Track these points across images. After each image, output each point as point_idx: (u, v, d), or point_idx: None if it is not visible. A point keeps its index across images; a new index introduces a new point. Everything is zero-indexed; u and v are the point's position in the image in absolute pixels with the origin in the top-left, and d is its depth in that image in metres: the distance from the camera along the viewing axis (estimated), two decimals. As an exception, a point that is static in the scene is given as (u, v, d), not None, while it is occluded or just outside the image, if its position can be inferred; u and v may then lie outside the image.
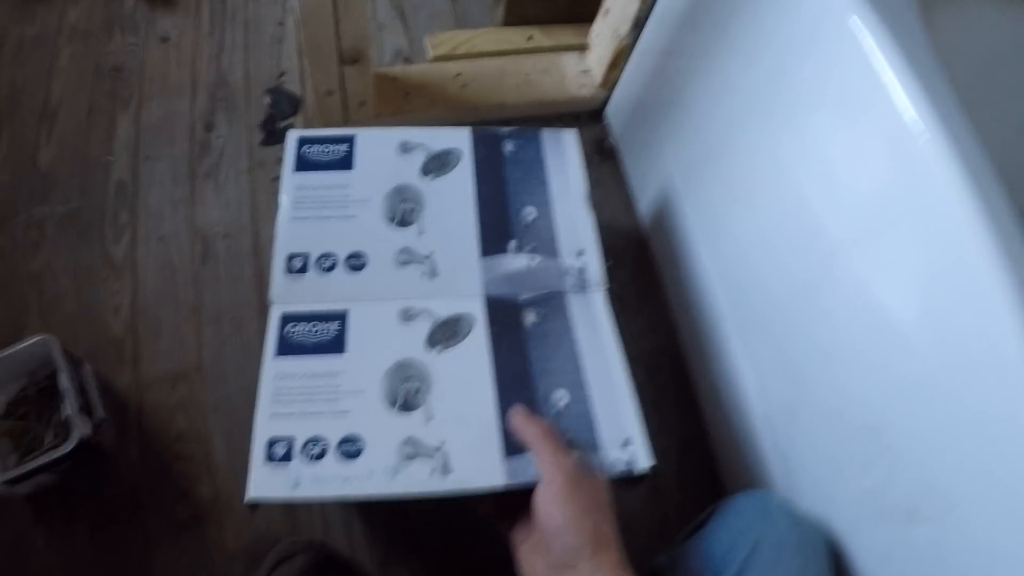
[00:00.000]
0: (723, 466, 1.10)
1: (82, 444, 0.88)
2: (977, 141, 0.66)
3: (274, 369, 0.78)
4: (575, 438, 0.75)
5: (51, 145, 1.23)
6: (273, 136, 1.28)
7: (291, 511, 0.98)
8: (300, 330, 0.80)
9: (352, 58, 1.10)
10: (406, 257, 0.86)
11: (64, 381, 0.91)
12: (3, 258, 1.12)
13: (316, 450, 0.72)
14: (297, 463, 0.71)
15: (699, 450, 1.12)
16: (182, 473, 0.98)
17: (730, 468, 1.08)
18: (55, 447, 0.90)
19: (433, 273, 0.86)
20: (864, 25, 0.71)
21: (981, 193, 0.62)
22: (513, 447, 0.73)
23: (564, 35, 1.46)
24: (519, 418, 0.73)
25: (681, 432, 1.10)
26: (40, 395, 0.97)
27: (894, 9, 0.73)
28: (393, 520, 1.01)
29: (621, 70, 1.31)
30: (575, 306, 0.87)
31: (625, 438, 0.77)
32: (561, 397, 0.78)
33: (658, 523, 1.06)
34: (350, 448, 0.72)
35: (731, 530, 0.77)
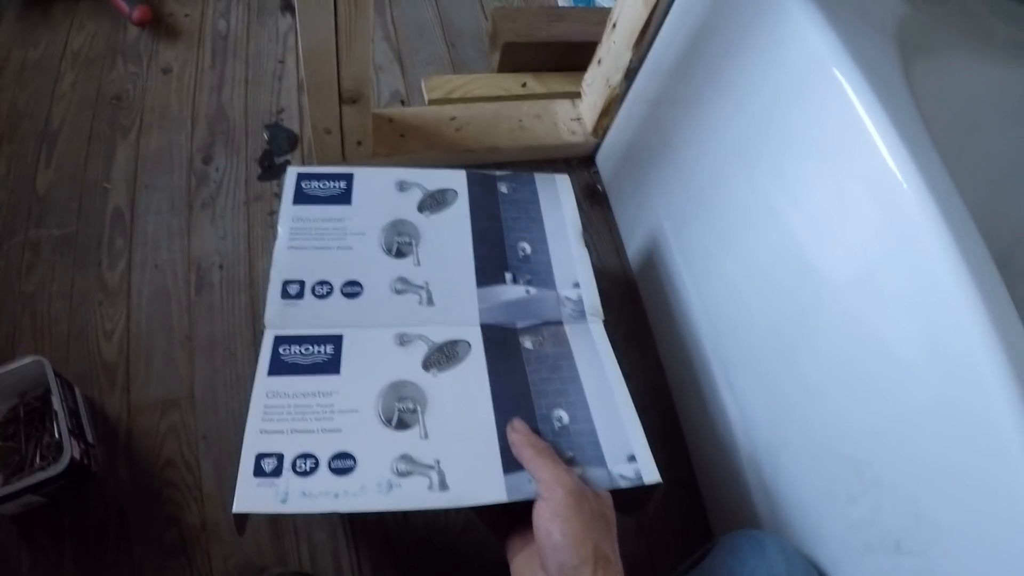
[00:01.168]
0: (709, 503, 1.11)
1: (71, 466, 0.88)
2: (955, 189, 0.69)
3: (266, 387, 0.77)
4: (576, 457, 0.75)
5: (50, 169, 1.24)
6: (270, 171, 1.30)
7: (278, 539, 0.98)
8: (294, 351, 0.80)
9: (351, 98, 1.12)
10: (402, 286, 0.87)
11: (56, 403, 0.91)
12: (-3, 278, 1.12)
13: (306, 466, 0.71)
14: (286, 478, 0.70)
15: (687, 488, 1.13)
16: (170, 499, 0.98)
17: (716, 505, 1.09)
18: (44, 468, 0.90)
19: (429, 301, 0.87)
20: (846, 77, 0.75)
21: (960, 239, 0.65)
22: (512, 463, 0.73)
23: (557, 82, 1.51)
24: (516, 435, 0.73)
25: (668, 470, 1.08)
26: (30, 416, 0.97)
27: (876, 62, 0.77)
28: (380, 549, 1.01)
29: (612, 118, 1.34)
30: (573, 334, 0.88)
31: (630, 453, 0.77)
32: (561, 416, 0.79)
33: (645, 560, 1.07)
34: (342, 464, 0.71)
35: (727, 567, 0.78)
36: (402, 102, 1.46)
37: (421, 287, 0.88)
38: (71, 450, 0.88)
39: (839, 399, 0.80)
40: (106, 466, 0.99)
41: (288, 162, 1.32)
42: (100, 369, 1.07)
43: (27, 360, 0.94)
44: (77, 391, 1.00)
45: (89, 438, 0.97)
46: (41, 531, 0.94)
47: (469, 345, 0.84)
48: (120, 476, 0.99)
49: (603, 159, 1.43)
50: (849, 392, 0.79)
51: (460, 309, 0.87)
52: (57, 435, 0.91)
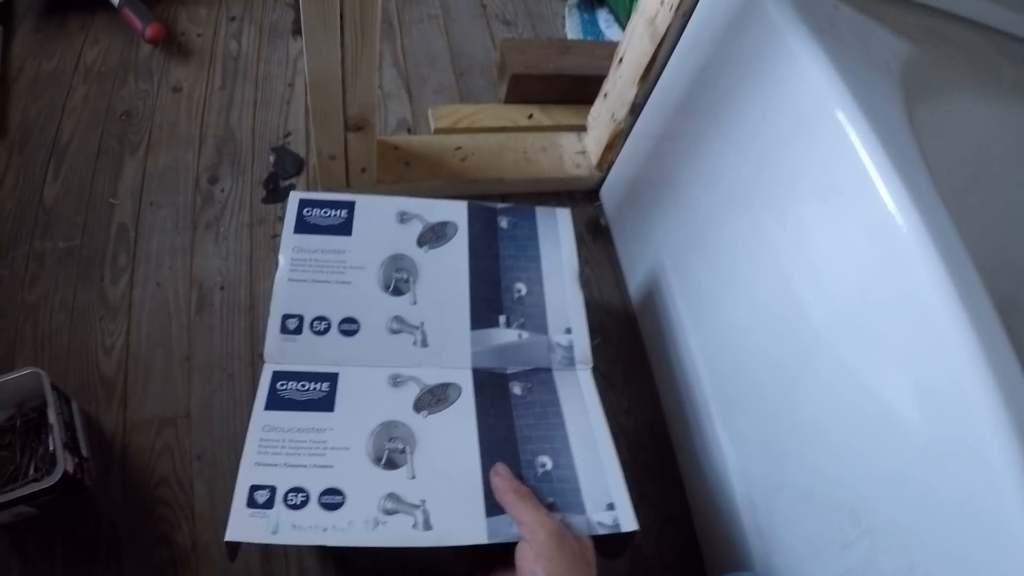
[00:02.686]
0: (704, 544, 1.11)
1: (65, 479, 0.88)
2: (956, 233, 0.69)
3: (262, 420, 0.80)
4: (557, 502, 0.77)
5: (58, 181, 1.25)
6: (275, 194, 1.31)
7: (268, 563, 0.98)
8: (291, 387, 0.83)
9: (357, 125, 1.13)
10: (398, 326, 0.89)
11: (52, 415, 0.92)
12: (1, 287, 1.13)
13: (298, 499, 0.73)
14: (278, 510, 0.73)
15: (681, 527, 1.13)
16: (162, 517, 0.98)
17: (711, 546, 1.09)
18: (37, 480, 0.91)
19: (424, 342, 0.89)
20: (848, 119, 0.75)
21: (960, 285, 0.65)
22: (495, 506, 0.75)
23: (563, 115, 1.51)
24: (499, 480, 0.75)
25: (663, 509, 1.11)
26: (26, 427, 0.98)
27: (878, 104, 0.77)
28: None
29: (617, 153, 1.35)
30: (561, 381, 0.89)
31: (609, 502, 0.78)
32: (545, 463, 0.80)
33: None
34: (331, 500, 0.74)
35: None
36: (409, 130, 1.47)
37: (416, 327, 0.90)
38: (64, 463, 0.89)
39: (835, 444, 0.80)
40: (100, 481, 1.00)
41: (293, 186, 1.33)
42: (98, 383, 1.07)
43: (25, 371, 0.94)
44: (74, 404, 1.01)
45: (83, 452, 0.98)
46: (32, 542, 0.95)
47: (460, 389, 0.86)
48: (113, 492, 0.99)
49: (607, 193, 1.43)
50: (845, 438, 0.79)
51: (453, 352, 0.89)
52: (52, 447, 0.91)
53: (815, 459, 0.84)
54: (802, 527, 0.87)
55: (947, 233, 0.68)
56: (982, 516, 0.62)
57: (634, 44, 1.18)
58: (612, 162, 1.38)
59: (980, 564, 0.63)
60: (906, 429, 0.69)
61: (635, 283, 1.32)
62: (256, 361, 1.12)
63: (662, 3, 1.06)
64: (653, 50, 1.12)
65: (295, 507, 0.73)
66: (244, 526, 0.72)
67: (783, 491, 0.90)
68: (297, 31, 1.56)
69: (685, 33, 1.07)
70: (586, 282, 0.94)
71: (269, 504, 0.73)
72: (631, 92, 1.22)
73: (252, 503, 0.73)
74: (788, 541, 0.90)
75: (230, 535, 0.71)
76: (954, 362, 0.64)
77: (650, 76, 1.17)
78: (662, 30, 1.08)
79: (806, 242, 0.84)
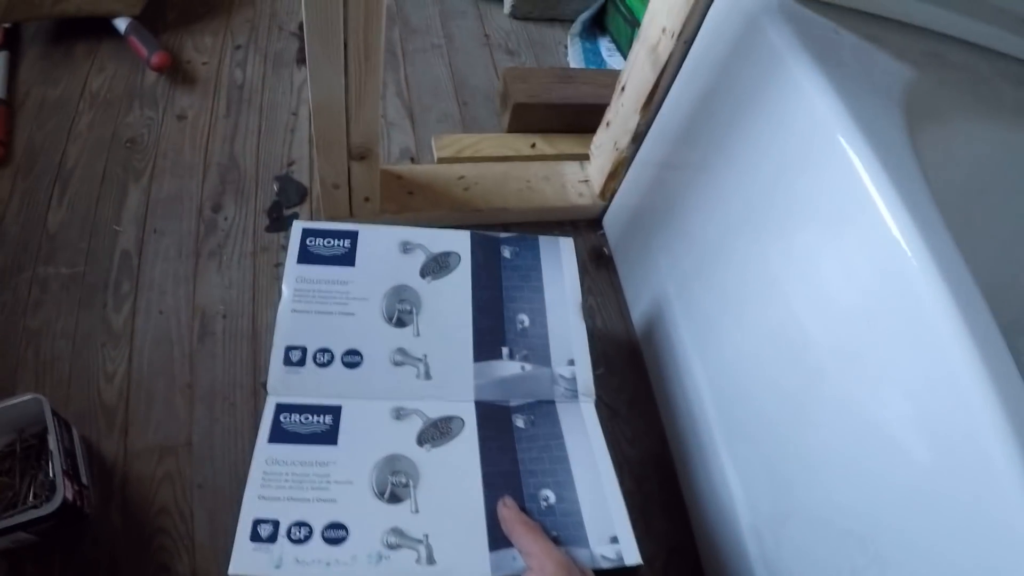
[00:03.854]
0: (709, 574, 1.10)
1: (65, 507, 0.88)
2: (961, 257, 0.69)
3: (266, 453, 0.80)
4: (561, 536, 0.77)
5: (62, 207, 1.26)
6: (278, 223, 1.31)
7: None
8: (294, 420, 0.83)
9: (360, 155, 1.13)
10: (401, 358, 0.89)
11: (52, 442, 0.92)
12: (3, 311, 1.14)
13: (301, 534, 0.73)
14: (281, 544, 0.72)
15: (686, 557, 1.12)
16: (162, 547, 0.98)
17: None
18: (36, 507, 0.90)
19: (427, 375, 0.89)
20: (851, 145, 0.75)
21: (965, 309, 0.64)
22: (498, 540, 0.75)
23: (566, 144, 1.52)
24: (507, 511, 0.75)
25: (668, 539, 1.11)
26: (26, 453, 0.97)
27: (881, 129, 0.77)
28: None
29: (620, 181, 1.36)
30: (564, 414, 0.89)
31: (612, 535, 0.78)
32: (548, 496, 0.80)
33: (641, 630, 1.07)
34: (334, 534, 0.73)
35: None
36: (412, 159, 1.48)
37: (419, 360, 0.90)
38: (64, 490, 0.88)
39: (842, 472, 0.80)
40: (99, 509, 0.99)
41: (296, 215, 1.34)
42: (99, 411, 1.07)
43: (26, 397, 0.94)
44: (75, 431, 1.00)
45: (83, 479, 0.97)
46: (30, 570, 0.94)
47: (463, 422, 0.86)
48: (113, 520, 0.99)
49: (610, 222, 1.44)
50: (852, 465, 0.78)
51: (456, 384, 0.89)
52: (52, 474, 0.91)
53: (822, 487, 0.84)
54: (810, 555, 0.86)
55: (952, 258, 0.68)
56: (990, 542, 0.62)
57: (636, 72, 1.19)
58: (615, 191, 1.39)
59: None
60: (914, 456, 0.69)
61: (639, 311, 1.32)
62: (258, 390, 1.11)
63: (664, 31, 1.07)
64: (655, 78, 1.12)
65: (298, 542, 0.73)
66: (247, 560, 0.71)
67: (790, 519, 0.90)
68: (301, 60, 1.57)
69: (687, 61, 1.08)
70: (589, 311, 0.94)
71: (272, 538, 0.73)
72: (634, 120, 1.22)
73: (256, 536, 0.73)
74: (795, 570, 0.89)
75: (233, 569, 0.71)
76: (961, 388, 0.64)
77: (652, 104, 1.18)
78: (664, 58, 1.09)
79: (812, 269, 0.84)
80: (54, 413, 0.95)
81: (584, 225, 1.47)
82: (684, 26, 1.02)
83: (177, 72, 1.50)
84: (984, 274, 0.69)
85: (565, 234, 1.05)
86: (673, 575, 1.11)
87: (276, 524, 0.74)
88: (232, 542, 0.72)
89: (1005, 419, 0.60)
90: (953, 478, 0.65)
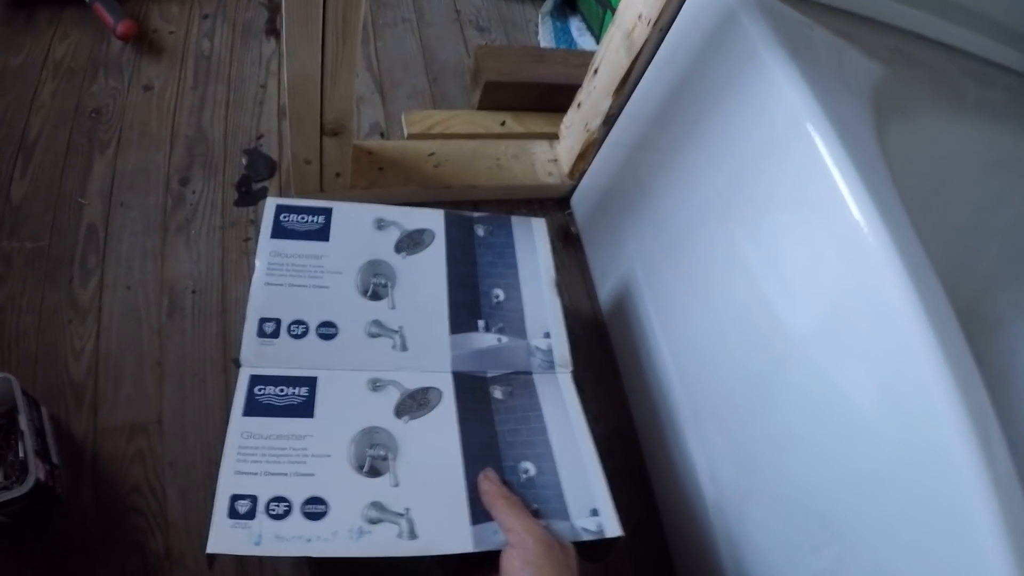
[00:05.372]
0: (674, 548, 1.13)
1: (37, 487, 0.87)
2: (920, 245, 0.71)
3: (241, 427, 0.78)
4: (541, 509, 0.77)
5: (25, 179, 1.23)
6: (247, 197, 1.30)
7: (243, 570, 0.97)
8: (269, 392, 0.81)
9: (334, 131, 1.13)
10: (377, 330, 0.89)
11: (22, 422, 0.90)
12: (-33, 289, 1.11)
13: (280, 509, 0.72)
14: (260, 521, 0.71)
15: (652, 532, 1.14)
16: (135, 525, 0.97)
17: (681, 551, 1.11)
18: (8, 488, 0.89)
19: (403, 347, 0.88)
20: (819, 135, 0.77)
21: (924, 295, 0.67)
22: (480, 514, 0.74)
23: (536, 123, 1.53)
24: (488, 485, 0.75)
25: (633, 515, 1.12)
26: (-6, 432, 0.96)
27: (849, 121, 0.80)
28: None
29: (589, 162, 1.36)
30: (542, 385, 0.90)
31: (593, 507, 0.78)
32: (528, 468, 0.80)
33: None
34: (314, 509, 0.72)
35: None
36: (382, 134, 1.47)
37: (395, 331, 0.89)
38: (36, 471, 0.87)
39: (805, 451, 0.82)
40: (70, 488, 0.98)
41: (266, 189, 1.33)
42: (67, 388, 1.06)
43: (-5, 377, 0.92)
44: (43, 410, 0.99)
45: (54, 459, 0.96)
46: (1, 551, 0.93)
47: (440, 393, 0.85)
48: (84, 500, 0.98)
49: (578, 202, 1.45)
50: (815, 445, 0.80)
51: (433, 356, 0.89)
52: (22, 455, 0.90)
53: (785, 465, 0.86)
54: (772, 532, 0.89)
55: (912, 245, 0.71)
56: (946, 520, 0.64)
57: (610, 56, 1.20)
58: (584, 171, 1.39)
59: (944, 567, 0.65)
60: (874, 436, 0.72)
61: (605, 291, 1.34)
62: (229, 366, 1.11)
63: (640, 17, 1.07)
64: (629, 63, 1.13)
65: (278, 517, 0.71)
66: (226, 537, 0.70)
67: (753, 497, 0.92)
68: (270, 31, 1.55)
69: (662, 47, 1.09)
70: (557, 289, 0.95)
71: (251, 514, 0.71)
72: (606, 103, 1.23)
73: (233, 513, 0.71)
74: (758, 546, 0.92)
75: (212, 547, 0.69)
76: (919, 370, 0.66)
77: (625, 88, 1.18)
78: (639, 44, 1.09)
79: (778, 253, 0.86)
80: (23, 392, 0.93)
81: (552, 204, 1.47)
82: (661, 14, 1.03)
83: (143, 41, 1.47)
84: (941, 260, 0.71)
85: (533, 212, 1.06)
86: (639, 548, 1.13)
87: (254, 500, 0.72)
88: (206, 520, 0.71)
89: (960, 399, 0.63)
90: (911, 458, 0.68)
